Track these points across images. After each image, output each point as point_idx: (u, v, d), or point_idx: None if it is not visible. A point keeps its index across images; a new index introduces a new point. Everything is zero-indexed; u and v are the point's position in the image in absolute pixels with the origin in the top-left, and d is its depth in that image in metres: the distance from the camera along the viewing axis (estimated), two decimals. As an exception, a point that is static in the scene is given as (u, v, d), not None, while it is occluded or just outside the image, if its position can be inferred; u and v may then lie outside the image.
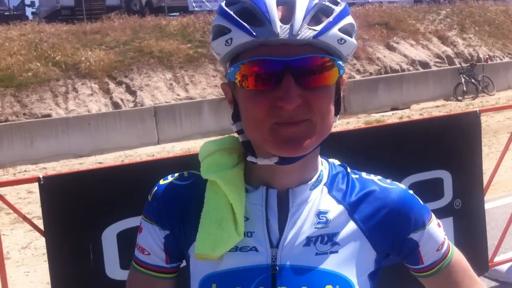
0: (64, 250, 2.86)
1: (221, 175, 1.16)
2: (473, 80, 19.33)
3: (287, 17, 1.03)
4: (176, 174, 1.27)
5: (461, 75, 19.25)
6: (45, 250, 2.88)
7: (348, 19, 1.09)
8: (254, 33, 1.03)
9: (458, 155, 3.66)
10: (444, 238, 1.26)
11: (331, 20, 1.05)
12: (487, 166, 4.29)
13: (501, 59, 22.83)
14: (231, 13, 1.07)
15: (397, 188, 1.23)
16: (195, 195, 1.21)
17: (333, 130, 1.22)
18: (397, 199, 1.20)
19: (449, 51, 22.30)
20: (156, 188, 1.26)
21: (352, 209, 1.18)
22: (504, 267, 4.57)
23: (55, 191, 2.84)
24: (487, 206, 4.01)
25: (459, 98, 19.05)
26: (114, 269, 2.87)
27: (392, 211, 1.19)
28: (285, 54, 1.03)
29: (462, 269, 1.28)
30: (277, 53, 1.03)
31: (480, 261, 3.78)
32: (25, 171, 12.93)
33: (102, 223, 2.87)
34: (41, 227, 2.87)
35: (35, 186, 2.82)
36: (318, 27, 1.03)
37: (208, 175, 1.18)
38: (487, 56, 22.23)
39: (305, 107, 1.04)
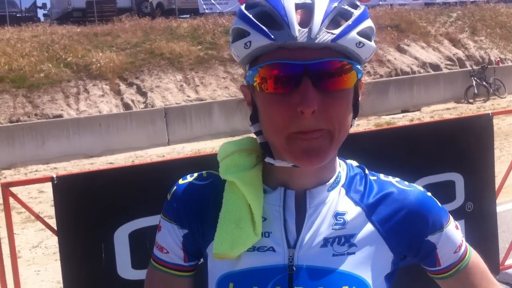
0: (76, 249, 2.88)
1: (240, 176, 1.17)
2: (484, 83, 19.22)
3: (306, 21, 1.03)
4: (195, 174, 1.28)
5: (472, 78, 19.15)
6: (56, 249, 2.90)
7: (367, 23, 1.09)
8: (272, 37, 1.03)
9: (470, 157, 3.64)
10: (462, 240, 1.25)
11: (350, 23, 1.05)
12: (499, 169, 4.26)
13: (512, 62, 22.70)
14: (250, 16, 1.07)
15: (415, 190, 1.22)
16: (214, 195, 1.22)
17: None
18: (415, 201, 1.20)
19: (460, 53, 22.19)
20: (175, 187, 1.27)
21: (369, 210, 1.18)
22: (515, 271, 4.54)
23: (68, 190, 2.86)
24: (498, 209, 4.00)
25: (470, 100, 18.95)
26: (125, 269, 2.89)
27: (410, 213, 1.19)
28: (304, 58, 1.03)
29: (479, 271, 1.27)
30: (296, 57, 1.03)
31: (491, 264, 3.76)
32: (36, 171, 13.00)
33: (114, 223, 2.89)
34: (53, 226, 2.89)
35: (46, 186, 2.85)
36: (337, 31, 1.03)
37: (227, 176, 1.19)
38: (499, 59, 22.09)
39: (323, 116, 1.04)
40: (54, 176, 2.82)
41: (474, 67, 20.24)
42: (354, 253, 1.14)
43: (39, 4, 29.17)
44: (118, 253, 2.89)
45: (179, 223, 1.25)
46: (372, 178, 1.23)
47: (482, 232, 3.71)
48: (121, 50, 18.50)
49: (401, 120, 16.35)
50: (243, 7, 1.10)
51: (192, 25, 20.91)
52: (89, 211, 2.88)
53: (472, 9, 25.69)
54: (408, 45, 21.67)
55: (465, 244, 1.26)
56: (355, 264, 1.14)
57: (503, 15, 25.61)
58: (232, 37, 1.13)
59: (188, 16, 24.50)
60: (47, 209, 7.71)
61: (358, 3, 1.10)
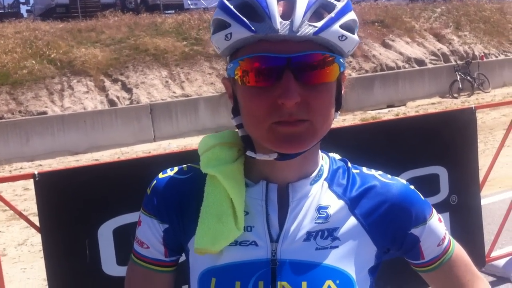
0: (60, 246, 2.85)
1: (221, 170, 1.16)
2: (468, 78, 19.37)
3: (288, 13, 1.02)
4: (176, 168, 1.27)
5: (456, 73, 19.30)
6: (41, 247, 2.87)
7: (350, 15, 1.07)
8: (253, 29, 1.02)
9: (454, 151, 3.67)
10: (445, 233, 1.25)
11: (333, 16, 1.04)
12: (483, 162, 4.30)
13: (496, 57, 22.89)
14: (231, 7, 1.05)
15: (398, 183, 1.22)
16: (195, 189, 1.20)
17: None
18: (398, 194, 1.20)
19: (445, 48, 22.34)
20: (155, 181, 1.25)
21: (352, 204, 1.17)
22: (500, 262, 4.58)
23: (51, 187, 2.83)
24: (483, 202, 4.03)
25: (455, 95, 19.08)
26: (110, 265, 2.86)
27: (393, 206, 1.18)
28: (285, 51, 1.01)
29: (463, 264, 1.27)
30: (277, 50, 1.02)
31: (477, 256, 3.80)
32: (21, 168, 12.91)
33: (98, 219, 2.86)
34: (37, 223, 2.86)
35: (31, 183, 2.81)
36: (319, 24, 1.02)
37: (208, 170, 1.17)
38: (483, 54, 22.28)
39: (305, 107, 1.03)
40: (36, 173, 2.78)
41: (459, 62, 20.38)
42: (337, 246, 1.14)
43: (22, 0, 28.89)
44: (102, 249, 2.86)
45: (159, 218, 1.23)
46: (355, 171, 1.22)
47: (467, 225, 3.73)
48: (105, 46, 18.38)
49: (387, 115, 16.44)
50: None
51: (177, 20, 20.81)
52: (73, 207, 2.85)
53: (456, 5, 25.85)
54: (393, 41, 21.76)
55: (448, 237, 1.26)
56: (338, 258, 1.13)
57: (487, 10, 25.80)
58: (212, 28, 1.11)
59: (173, 11, 24.40)
60: (32, 206, 7.64)
61: None
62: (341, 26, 1.04)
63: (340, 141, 3.06)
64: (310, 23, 1.01)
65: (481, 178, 3.92)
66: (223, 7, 1.07)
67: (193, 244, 1.15)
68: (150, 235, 1.25)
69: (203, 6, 23.20)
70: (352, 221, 1.16)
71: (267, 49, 1.02)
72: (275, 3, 1.02)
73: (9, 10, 27.01)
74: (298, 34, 1.00)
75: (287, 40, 1.01)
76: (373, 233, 1.17)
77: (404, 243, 1.21)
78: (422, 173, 3.49)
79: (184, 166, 1.27)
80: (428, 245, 1.22)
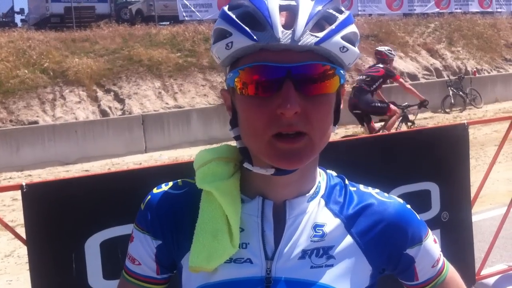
0: (46, 259, 2.81)
1: (217, 186, 1.14)
2: (461, 93, 19.45)
3: (290, 23, 1.01)
4: (170, 183, 1.25)
5: (449, 88, 19.37)
6: (28, 259, 2.82)
7: (351, 28, 1.08)
8: (255, 37, 1.01)
9: (446, 167, 3.65)
10: (440, 255, 1.25)
11: (334, 27, 1.04)
12: (474, 178, 4.28)
13: (488, 73, 23.02)
14: (233, 16, 1.05)
15: (395, 202, 1.21)
16: (189, 205, 1.19)
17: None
18: (395, 213, 1.19)
19: (438, 63, 22.46)
20: (149, 197, 1.24)
21: (349, 222, 1.16)
22: (491, 280, 4.55)
23: (38, 199, 2.79)
24: (474, 218, 4.00)
25: (447, 110, 19.16)
26: (96, 279, 2.82)
27: (389, 226, 1.18)
28: (286, 60, 1.01)
29: (456, 285, 1.27)
30: (278, 59, 1.01)
31: (467, 274, 3.77)
32: (10, 178, 12.80)
33: (85, 232, 2.82)
34: (24, 235, 2.82)
35: (19, 194, 2.77)
36: (321, 34, 1.02)
37: (203, 185, 1.15)
38: (475, 69, 22.41)
39: (304, 118, 1.02)
40: (24, 184, 2.74)
41: (451, 77, 20.48)
42: (332, 265, 1.12)
43: (16, 9, 28.88)
44: (89, 263, 2.82)
45: (152, 234, 1.21)
46: (352, 188, 1.22)
47: (458, 242, 3.71)
48: (99, 57, 18.36)
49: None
50: (226, 7, 1.08)
51: (172, 32, 20.84)
52: (60, 219, 2.81)
53: (449, 20, 26.04)
54: (386, 55, 21.85)
55: (442, 259, 1.25)
56: (333, 277, 1.12)
57: (480, 26, 25.99)
58: (213, 38, 1.10)
59: (168, 23, 24.43)
60: (20, 217, 7.51)
61: (342, 8, 1.09)
62: (343, 38, 1.05)
63: (331, 154, 3.04)
64: (312, 33, 1.01)
65: (472, 194, 3.90)
66: (224, 17, 1.06)
67: (187, 260, 1.14)
68: (143, 251, 1.23)
69: (198, 18, 23.24)
70: (348, 240, 1.15)
71: (268, 58, 1.02)
72: (277, 13, 1.02)
73: (3, 20, 26.97)
74: (299, 43, 1.00)
75: (288, 50, 1.01)
76: (369, 252, 1.16)
77: (399, 263, 1.20)
78: (414, 189, 3.47)
79: (179, 180, 1.25)
80: (422, 266, 1.21)
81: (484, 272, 4.38)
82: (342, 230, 1.15)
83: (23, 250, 6.70)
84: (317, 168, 1.20)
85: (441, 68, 22.20)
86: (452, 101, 19.19)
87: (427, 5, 27.62)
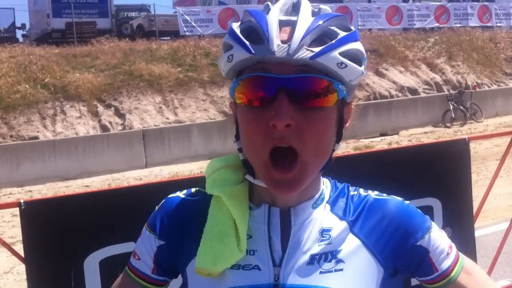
0: (45, 277, 2.78)
1: (225, 190, 1.16)
2: (461, 107, 19.48)
3: (289, 37, 1.04)
4: (185, 190, 1.29)
5: (449, 102, 19.41)
6: (26, 276, 2.80)
7: (354, 45, 1.09)
8: (252, 50, 1.04)
9: (448, 183, 3.63)
10: (450, 242, 1.22)
11: (333, 43, 1.05)
12: (476, 193, 4.25)
13: (489, 87, 23.06)
14: (236, 31, 1.08)
15: (394, 199, 1.22)
16: (200, 212, 1.21)
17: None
18: (395, 208, 1.20)
19: (438, 78, 22.51)
20: (164, 201, 1.28)
21: (354, 224, 1.17)
22: (494, 297, 4.51)
23: (37, 216, 2.77)
24: (476, 234, 3.97)
25: (448, 124, 19.17)
26: (95, 298, 2.79)
27: (392, 221, 1.18)
28: (283, 72, 1.03)
29: (479, 271, 1.24)
30: (274, 71, 1.03)
31: (470, 290, 3.73)
32: (10, 193, 12.77)
33: (84, 250, 2.79)
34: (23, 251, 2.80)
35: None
36: (317, 49, 1.03)
37: (212, 190, 1.18)
38: (475, 84, 22.45)
39: (297, 132, 1.03)
40: (22, 201, 2.72)
41: (451, 92, 20.54)
42: (341, 269, 1.12)
43: (18, 24, 28.97)
44: (88, 281, 2.79)
45: (157, 234, 1.24)
46: (353, 193, 1.23)
47: (460, 258, 3.68)
48: (100, 72, 18.41)
49: (380, 143, 16.46)
50: (234, 23, 1.12)
51: (172, 47, 20.93)
52: (58, 237, 2.79)
53: (449, 35, 26.13)
54: (386, 69, 21.92)
55: (453, 246, 1.23)
56: (343, 281, 1.11)
57: (480, 40, 26.08)
58: (222, 52, 1.14)
59: (169, 38, 24.53)
60: (20, 233, 7.51)
61: (352, 27, 1.11)
62: (341, 54, 1.05)
63: (332, 170, 3.03)
64: (308, 48, 1.02)
65: (474, 209, 3.88)
66: (230, 31, 1.11)
67: (193, 267, 1.14)
68: (143, 248, 1.26)
69: (199, 33, 23.34)
70: (355, 241, 1.15)
71: (265, 69, 1.04)
72: (275, 27, 1.04)
73: (5, 35, 27.06)
74: (294, 57, 1.01)
75: (285, 63, 1.02)
76: (376, 251, 1.15)
77: (412, 258, 1.18)
78: (416, 205, 3.40)
79: (193, 189, 1.29)
80: (438, 255, 1.18)
81: None
82: (348, 232, 1.16)
83: (22, 267, 6.63)
84: (321, 177, 1.22)
85: (441, 83, 22.24)
86: (453, 115, 19.21)
87: (427, 19, 27.74)
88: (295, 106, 1.02)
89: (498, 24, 29.71)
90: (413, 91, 21.07)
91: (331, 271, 1.11)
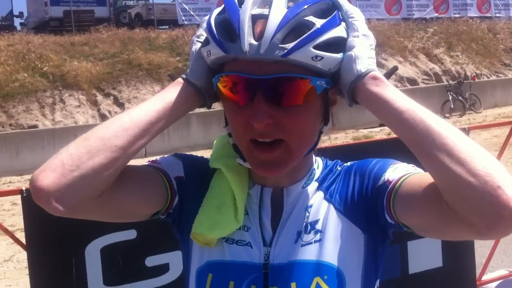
0: (46, 264, 2.79)
1: (226, 162, 1.19)
2: (460, 98, 19.47)
3: (261, 34, 1.02)
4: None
5: (448, 93, 19.39)
6: (27, 264, 2.81)
7: (333, 33, 1.05)
8: (226, 49, 1.03)
9: (447, 172, 3.64)
10: (414, 167, 1.15)
11: (306, 36, 1.02)
12: (475, 183, 4.28)
13: (488, 77, 23.05)
14: (212, 26, 1.07)
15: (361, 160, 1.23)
16: (204, 183, 1.23)
17: (322, 145, 1.24)
18: (356, 164, 1.21)
19: (437, 68, 22.48)
20: (203, 156, 1.32)
21: (327, 192, 1.19)
22: (492, 286, 4.53)
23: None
24: (474, 224, 3.99)
25: (447, 115, 19.16)
26: (97, 285, 2.80)
27: (352, 174, 1.19)
28: (259, 72, 1.02)
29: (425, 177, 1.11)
30: (251, 70, 1.02)
31: (468, 279, 3.76)
32: (10, 182, 12.78)
33: (85, 238, 2.81)
34: (24, 240, 2.81)
35: (19, 198, 2.76)
36: (289, 45, 1.00)
37: (214, 163, 1.21)
38: (474, 74, 22.43)
39: (277, 126, 1.04)
40: (24, 188, 2.73)
41: (451, 82, 20.51)
42: (320, 240, 1.13)
43: (15, 13, 28.88)
44: (89, 268, 2.80)
45: (183, 167, 1.24)
46: (339, 167, 1.24)
47: (458, 248, 3.70)
48: (99, 60, 18.37)
49: (379, 133, 16.46)
50: (216, 10, 1.10)
51: (171, 36, 20.87)
52: (60, 225, 2.78)
53: (448, 25, 26.06)
54: (385, 60, 21.88)
55: (414, 169, 1.15)
56: (323, 252, 1.12)
57: (479, 31, 26.01)
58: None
59: (167, 27, 24.44)
60: (20, 222, 7.48)
61: (338, 4, 1.09)
62: (317, 46, 1.02)
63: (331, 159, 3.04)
64: (281, 45, 1.00)
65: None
66: (207, 23, 1.09)
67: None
68: (169, 162, 1.24)
69: (197, 22, 23.23)
70: (329, 209, 1.17)
71: (241, 69, 1.03)
72: (246, 23, 1.02)
73: (3, 23, 26.94)
74: (267, 56, 1.00)
75: (260, 61, 1.01)
76: (349, 213, 1.15)
77: (379, 194, 1.11)
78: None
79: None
80: (393, 173, 1.12)
81: (485, 277, 4.37)
82: (322, 202, 1.18)
83: (22, 255, 6.69)
84: (313, 157, 1.23)
85: (440, 73, 22.22)
86: (452, 105, 19.21)
87: (426, 9, 27.65)
88: (272, 104, 1.02)
89: (497, 15, 29.63)
90: (412, 82, 21.06)
91: (310, 243, 1.13)
